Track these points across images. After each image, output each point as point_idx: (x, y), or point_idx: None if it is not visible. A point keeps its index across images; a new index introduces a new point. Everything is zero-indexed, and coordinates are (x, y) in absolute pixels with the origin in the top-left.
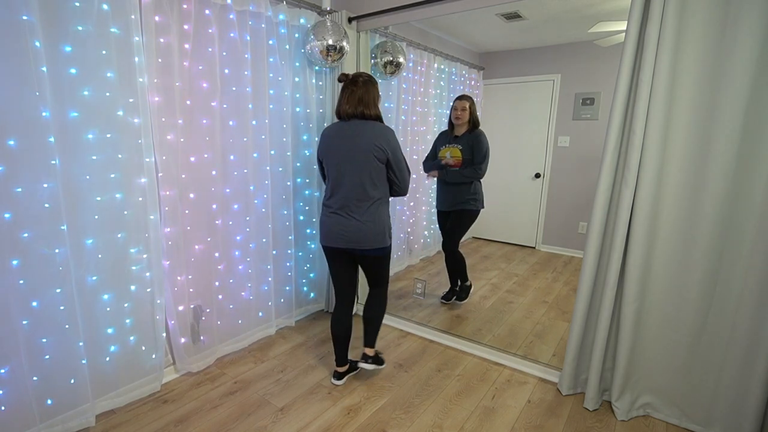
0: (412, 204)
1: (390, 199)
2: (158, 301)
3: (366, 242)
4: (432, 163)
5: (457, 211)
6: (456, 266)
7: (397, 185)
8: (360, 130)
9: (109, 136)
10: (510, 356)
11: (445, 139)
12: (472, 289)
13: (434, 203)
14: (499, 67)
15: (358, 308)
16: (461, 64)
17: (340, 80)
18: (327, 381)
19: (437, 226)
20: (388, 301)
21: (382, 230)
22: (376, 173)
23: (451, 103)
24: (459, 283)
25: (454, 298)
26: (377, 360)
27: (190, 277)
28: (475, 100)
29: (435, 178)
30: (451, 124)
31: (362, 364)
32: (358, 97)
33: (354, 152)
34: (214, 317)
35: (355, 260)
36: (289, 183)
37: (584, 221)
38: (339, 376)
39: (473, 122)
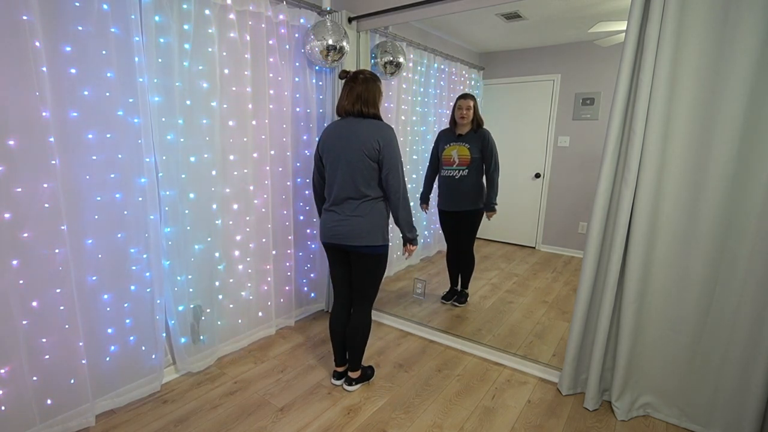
0: (411, 204)
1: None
2: (158, 301)
3: (356, 238)
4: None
5: (468, 211)
6: (466, 268)
7: (388, 186)
8: (356, 128)
9: (109, 136)
10: (510, 356)
11: (448, 138)
12: (469, 296)
13: (435, 203)
14: (499, 67)
15: None
16: (461, 64)
17: (341, 77)
18: (327, 381)
19: (437, 226)
20: (388, 301)
21: (375, 227)
22: (369, 172)
23: (453, 102)
24: (460, 287)
25: (455, 298)
26: (362, 379)
27: (190, 277)
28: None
29: (441, 175)
30: (453, 122)
31: (346, 387)
32: (356, 94)
33: (347, 150)
34: (214, 317)
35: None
36: (289, 183)
37: (584, 221)
38: (338, 375)
39: (477, 121)
